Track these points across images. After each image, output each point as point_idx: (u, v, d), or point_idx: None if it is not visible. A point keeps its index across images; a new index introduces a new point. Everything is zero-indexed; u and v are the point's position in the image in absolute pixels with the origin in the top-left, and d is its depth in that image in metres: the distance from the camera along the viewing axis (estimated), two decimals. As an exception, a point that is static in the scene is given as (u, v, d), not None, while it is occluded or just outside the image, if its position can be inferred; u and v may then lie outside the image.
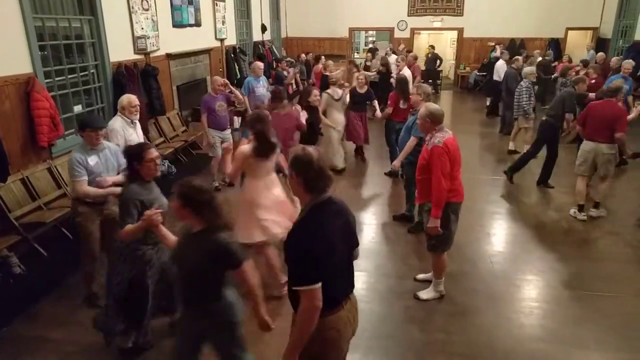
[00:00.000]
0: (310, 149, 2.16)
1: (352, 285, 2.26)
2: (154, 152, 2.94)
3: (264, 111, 4.19)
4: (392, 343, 3.48)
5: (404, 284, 4.21)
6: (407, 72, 8.80)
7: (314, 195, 2.08)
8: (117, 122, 4.46)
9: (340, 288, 2.15)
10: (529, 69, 7.85)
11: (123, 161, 3.31)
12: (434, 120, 3.62)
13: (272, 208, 3.80)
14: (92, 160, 3.61)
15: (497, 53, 12.52)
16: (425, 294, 3.99)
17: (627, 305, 3.91)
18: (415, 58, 10.41)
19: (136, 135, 4.61)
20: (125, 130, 4.44)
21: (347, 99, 7.15)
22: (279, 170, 4.04)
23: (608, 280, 4.29)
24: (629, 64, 7.80)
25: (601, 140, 5.30)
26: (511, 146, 8.25)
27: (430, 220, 3.62)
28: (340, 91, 7.08)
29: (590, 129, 5.41)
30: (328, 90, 7.07)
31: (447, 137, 3.59)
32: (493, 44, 14.18)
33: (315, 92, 6.20)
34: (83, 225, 3.71)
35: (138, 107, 4.57)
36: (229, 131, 6.53)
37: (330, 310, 2.07)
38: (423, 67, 13.73)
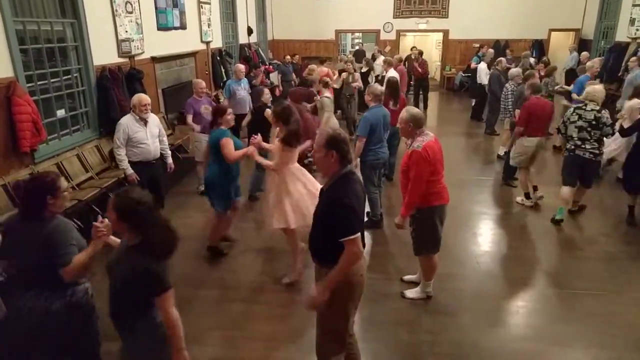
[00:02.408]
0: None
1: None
2: (64, 183, 2.62)
3: (286, 103, 4.59)
4: (380, 345, 3.49)
5: (391, 285, 4.22)
6: (393, 74, 8.84)
7: (343, 166, 2.51)
8: (124, 118, 4.84)
9: (362, 241, 2.54)
10: (515, 71, 7.91)
11: None
12: (416, 125, 3.61)
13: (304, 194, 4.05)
14: None
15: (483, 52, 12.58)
16: (412, 293, 4.02)
17: (610, 304, 3.97)
18: (400, 60, 10.46)
19: (144, 133, 4.87)
20: (131, 127, 4.76)
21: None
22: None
23: (592, 279, 4.35)
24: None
25: (542, 135, 5.79)
26: (501, 151, 8.01)
27: (398, 217, 3.72)
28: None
29: (534, 126, 5.73)
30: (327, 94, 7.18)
31: (428, 140, 3.58)
32: (478, 45, 14.32)
33: (267, 90, 6.33)
34: None
35: (149, 106, 4.82)
36: None
37: None
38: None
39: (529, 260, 4.77)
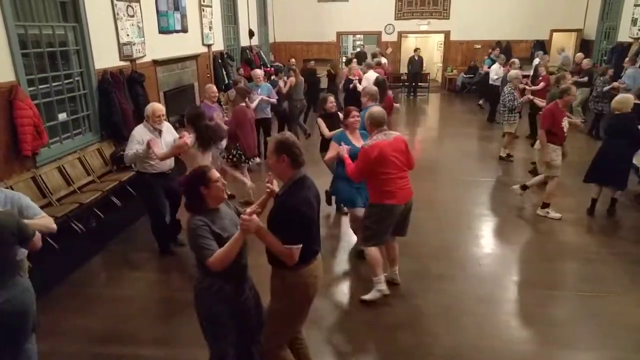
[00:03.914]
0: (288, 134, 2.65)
1: (320, 243, 2.76)
2: (216, 173, 2.63)
3: (200, 108, 4.67)
4: (380, 347, 3.48)
5: (391, 287, 4.20)
6: (373, 75, 8.77)
7: (296, 170, 2.54)
8: (137, 129, 4.54)
9: (317, 242, 2.67)
10: (514, 73, 7.91)
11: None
12: (373, 123, 3.80)
13: None
14: None
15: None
16: (368, 295, 3.99)
17: (613, 305, 3.95)
18: (378, 64, 10.18)
19: (159, 144, 4.49)
20: (145, 138, 4.45)
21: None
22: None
23: (594, 281, 4.33)
24: None
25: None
26: (503, 152, 8.03)
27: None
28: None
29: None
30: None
31: (382, 140, 3.71)
32: (479, 46, 14.34)
33: (331, 98, 5.86)
34: None
35: (162, 117, 4.53)
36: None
37: (311, 260, 2.61)
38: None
39: (531, 262, 4.75)
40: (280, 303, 2.65)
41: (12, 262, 2.54)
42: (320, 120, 5.60)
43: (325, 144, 5.66)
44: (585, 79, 10.09)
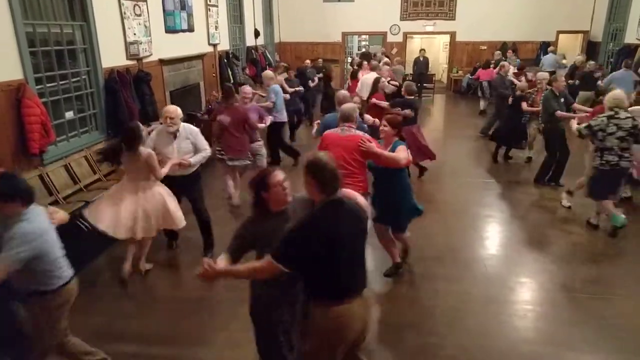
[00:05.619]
0: (321, 154, 2.39)
1: (363, 283, 2.43)
2: (277, 176, 2.49)
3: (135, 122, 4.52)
4: (385, 347, 3.48)
5: (396, 287, 4.20)
6: (372, 75, 8.75)
7: (326, 195, 2.27)
8: (159, 127, 4.60)
9: (347, 282, 2.31)
10: (540, 75, 7.76)
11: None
12: (340, 116, 4.11)
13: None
14: None
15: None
16: None
17: (619, 307, 3.93)
18: (387, 64, 10.06)
19: (172, 147, 4.38)
20: (160, 136, 4.45)
21: None
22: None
23: (601, 283, 4.32)
24: None
25: None
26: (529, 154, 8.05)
27: None
28: None
29: None
30: None
31: (336, 132, 3.97)
32: (485, 47, 14.30)
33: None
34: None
35: (169, 119, 4.31)
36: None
37: (338, 300, 2.27)
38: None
39: (536, 263, 4.73)
40: (310, 342, 2.43)
41: None
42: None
43: None
44: (577, 82, 10.09)
